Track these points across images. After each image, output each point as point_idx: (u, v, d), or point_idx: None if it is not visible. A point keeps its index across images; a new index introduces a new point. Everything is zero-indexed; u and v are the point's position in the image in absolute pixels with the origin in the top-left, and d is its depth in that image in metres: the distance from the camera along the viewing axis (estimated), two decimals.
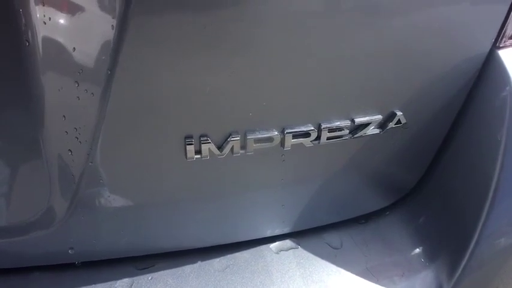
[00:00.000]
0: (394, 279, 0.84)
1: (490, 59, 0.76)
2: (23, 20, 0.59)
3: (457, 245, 0.82)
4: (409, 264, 0.87)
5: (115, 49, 0.57)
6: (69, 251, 0.80)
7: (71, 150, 0.67)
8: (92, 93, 0.61)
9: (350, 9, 0.61)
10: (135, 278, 0.82)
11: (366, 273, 0.85)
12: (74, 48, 0.59)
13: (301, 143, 0.71)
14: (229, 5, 0.57)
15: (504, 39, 0.74)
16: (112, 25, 0.56)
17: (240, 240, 0.86)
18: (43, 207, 0.73)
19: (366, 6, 0.61)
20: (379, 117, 0.73)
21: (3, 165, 0.69)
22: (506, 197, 0.77)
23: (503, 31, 0.72)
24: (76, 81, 0.61)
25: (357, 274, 0.84)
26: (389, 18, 0.64)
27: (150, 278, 0.82)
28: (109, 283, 0.81)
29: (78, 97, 0.62)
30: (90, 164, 0.67)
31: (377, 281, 0.84)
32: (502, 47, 0.75)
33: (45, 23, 0.58)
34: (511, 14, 0.70)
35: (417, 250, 0.89)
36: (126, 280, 0.81)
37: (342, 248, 0.89)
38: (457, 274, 0.81)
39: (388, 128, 0.74)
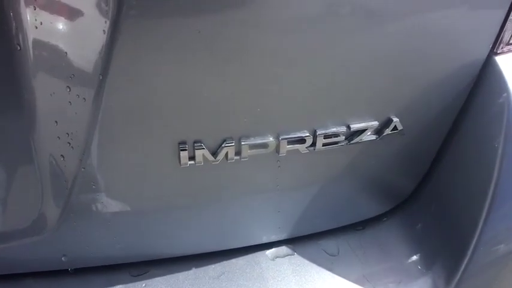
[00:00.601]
0: (391, 286, 0.84)
1: (488, 65, 0.75)
2: (14, 24, 0.58)
3: (454, 251, 0.81)
4: (406, 271, 0.86)
5: (107, 54, 0.57)
6: (62, 258, 0.79)
7: (63, 156, 0.66)
8: (84, 98, 0.61)
9: (346, 16, 0.61)
10: (129, 284, 0.81)
11: (363, 281, 0.84)
12: (66, 52, 0.58)
13: (297, 149, 0.71)
14: (224, 10, 0.57)
15: (501, 45, 0.73)
16: (104, 30, 0.55)
17: (235, 247, 0.85)
18: (35, 214, 0.73)
19: (362, 14, 0.61)
20: (375, 123, 0.72)
21: None
22: (503, 203, 0.77)
23: (501, 37, 0.72)
24: (68, 86, 0.61)
25: (354, 281, 0.84)
26: (385, 25, 0.64)
27: (144, 285, 0.81)
28: None
29: (70, 102, 0.61)
30: (82, 169, 0.66)
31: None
32: (500, 53, 0.75)
33: (36, 28, 0.58)
34: (508, 20, 0.70)
35: (415, 257, 0.88)
36: (119, 287, 0.80)
37: (338, 255, 0.88)
38: (455, 281, 0.80)
39: (384, 134, 0.74)
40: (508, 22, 0.71)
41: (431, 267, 0.85)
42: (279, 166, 0.73)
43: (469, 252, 0.78)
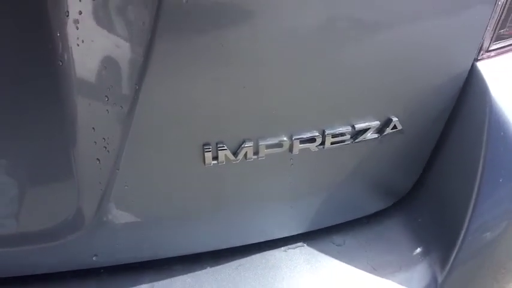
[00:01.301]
0: (393, 272, 0.92)
1: (471, 71, 0.83)
2: (58, 43, 0.65)
3: (447, 240, 0.90)
4: (406, 259, 0.94)
5: (143, 67, 0.63)
6: (94, 258, 0.84)
7: (99, 159, 0.72)
8: (121, 106, 0.67)
9: (351, 32, 0.68)
10: (155, 279, 0.87)
11: (367, 267, 0.92)
12: (105, 67, 0.65)
13: (308, 148, 0.78)
14: (243, 27, 0.64)
15: (481, 51, 0.81)
16: (140, 45, 0.61)
17: (252, 242, 0.92)
18: (71, 214, 0.78)
19: (365, 27, 0.69)
20: (377, 123, 0.80)
21: (34, 173, 0.74)
22: (487, 198, 0.85)
23: (481, 44, 0.80)
24: (106, 96, 0.67)
25: (359, 268, 0.91)
26: (382, 37, 0.71)
27: (169, 279, 0.87)
28: (130, 285, 0.86)
29: (107, 110, 0.68)
30: (117, 170, 0.73)
31: (377, 274, 0.91)
32: (480, 59, 0.82)
33: (78, 45, 0.64)
34: (487, 29, 0.78)
35: (413, 246, 0.96)
36: (146, 282, 0.86)
37: (344, 245, 0.96)
38: (449, 266, 0.88)
39: (385, 133, 0.81)
40: (486, 30, 0.78)
41: (428, 254, 0.94)
42: (292, 164, 0.81)
43: (460, 241, 0.86)
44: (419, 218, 0.99)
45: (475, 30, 0.79)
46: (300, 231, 0.95)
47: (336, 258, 0.93)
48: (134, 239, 0.84)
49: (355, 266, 0.92)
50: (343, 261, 0.92)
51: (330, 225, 0.96)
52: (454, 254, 0.87)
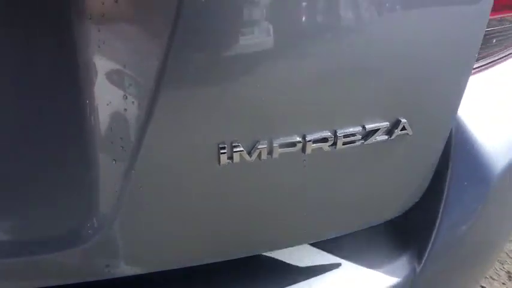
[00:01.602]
0: (381, 264, 1.02)
1: None
2: (80, 45, 0.68)
3: (423, 238, 1.02)
4: (391, 254, 1.05)
5: (162, 66, 0.65)
6: (106, 269, 0.82)
7: (115, 160, 0.73)
8: (139, 106, 0.69)
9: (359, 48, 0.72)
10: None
11: (359, 260, 1.01)
12: (125, 66, 0.68)
13: (320, 148, 0.78)
14: (255, 30, 0.67)
15: None
16: (159, 44, 0.64)
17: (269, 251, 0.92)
18: (83, 220, 0.78)
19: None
20: (386, 123, 0.81)
21: (47, 175, 0.75)
22: (455, 198, 0.99)
23: None
24: (125, 95, 0.69)
25: (352, 261, 1.01)
26: (390, 42, 0.74)
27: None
28: None
29: (125, 109, 0.70)
30: (132, 171, 0.73)
31: (366, 266, 1.00)
32: None
33: (99, 47, 0.68)
34: None
35: (396, 242, 1.08)
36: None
37: (341, 241, 1.04)
38: (424, 260, 1.01)
39: (395, 134, 0.83)
40: None
41: (407, 249, 1.04)
42: (305, 166, 0.81)
43: (433, 238, 0.99)
44: (399, 218, 1.06)
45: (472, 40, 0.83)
46: (312, 241, 0.94)
47: (332, 253, 1.00)
48: (149, 246, 0.82)
49: (348, 259, 1.00)
50: (339, 256, 1.00)
51: (344, 233, 0.96)
52: (428, 250, 1.00)
